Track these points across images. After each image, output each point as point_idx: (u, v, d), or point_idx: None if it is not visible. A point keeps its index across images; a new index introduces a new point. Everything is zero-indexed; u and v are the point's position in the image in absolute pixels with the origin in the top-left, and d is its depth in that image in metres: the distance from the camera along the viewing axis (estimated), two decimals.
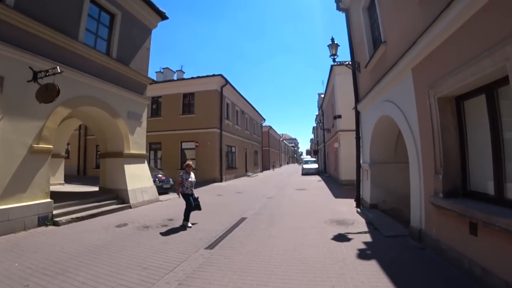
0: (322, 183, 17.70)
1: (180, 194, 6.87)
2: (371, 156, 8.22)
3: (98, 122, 9.56)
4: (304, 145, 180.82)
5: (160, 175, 12.90)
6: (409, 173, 8.03)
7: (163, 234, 6.06)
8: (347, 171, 16.21)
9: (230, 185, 17.00)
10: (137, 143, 10.14)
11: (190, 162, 7.30)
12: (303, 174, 27.58)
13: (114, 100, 9.18)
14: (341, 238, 5.45)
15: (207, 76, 18.80)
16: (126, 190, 9.13)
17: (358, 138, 9.34)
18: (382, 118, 7.19)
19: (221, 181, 18.45)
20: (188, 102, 19.83)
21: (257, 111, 31.75)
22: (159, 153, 20.50)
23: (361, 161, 9.21)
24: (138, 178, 9.79)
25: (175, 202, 10.35)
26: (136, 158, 9.98)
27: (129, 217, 7.80)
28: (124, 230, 6.42)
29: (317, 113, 39.81)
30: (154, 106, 20.97)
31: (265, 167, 40.67)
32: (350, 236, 5.56)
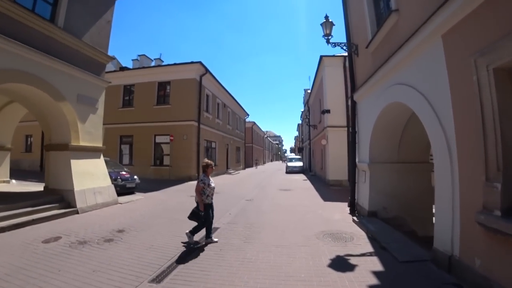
0: (308, 183, 16.42)
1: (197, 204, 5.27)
2: (371, 154, 6.88)
3: (38, 107, 7.72)
4: (288, 143, 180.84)
5: (123, 172, 11.15)
6: (416, 175, 6.88)
7: (100, 254, 4.44)
8: (335, 171, 15.01)
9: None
10: (89, 133, 8.37)
11: (209, 161, 5.66)
12: (287, 172, 26.32)
13: (58, 79, 7.37)
14: (340, 264, 4.04)
15: (185, 63, 17.03)
16: (73, 191, 7.37)
17: (354, 133, 8.00)
18: (389, 107, 5.84)
19: (197, 179, 16.75)
20: (163, 91, 17.99)
21: (240, 106, 30.17)
22: (130, 148, 18.54)
23: (357, 160, 7.88)
24: (89, 176, 8.03)
25: (136, 206, 8.69)
26: (88, 152, 8.22)
27: (68, 226, 6.10)
28: (50, 248, 4.74)
29: (302, 110, 38.69)
30: (126, 97, 19.02)
31: (248, 165, 39.19)
32: (352, 260, 4.16)
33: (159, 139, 17.50)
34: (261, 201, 9.84)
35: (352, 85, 8.25)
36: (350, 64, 8.21)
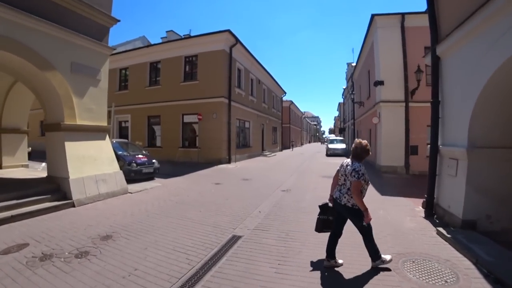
0: None
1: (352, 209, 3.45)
2: (472, 134, 4.52)
3: (30, 80, 6.41)
4: (326, 124, 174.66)
5: (140, 156, 9.85)
6: None
7: (57, 279, 2.90)
8: (388, 155, 12.45)
9: (239, 168, 13.77)
10: (89, 110, 6.97)
11: (364, 142, 3.60)
12: (328, 155, 23.86)
13: (45, 44, 5.93)
14: None
15: (212, 33, 15.11)
16: (68, 179, 6.06)
17: (436, 104, 5.61)
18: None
19: (228, 162, 15.26)
20: (191, 67, 16.41)
21: (276, 82, 27.82)
22: (158, 129, 17.51)
23: (440, 143, 5.53)
24: (90, 161, 6.69)
25: (148, 196, 7.26)
26: (88, 133, 6.85)
27: (50, 226, 4.76)
28: None
29: (344, 87, 35.24)
30: (153, 74, 17.82)
31: (285, 146, 37.16)
32: None
33: (187, 118, 16.13)
34: (300, 192, 7.90)
35: (433, 34, 5.75)
36: (429, 1, 5.68)
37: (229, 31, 14.74)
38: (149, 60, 17.65)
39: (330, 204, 3.70)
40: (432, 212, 5.52)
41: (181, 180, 9.81)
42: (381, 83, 12.55)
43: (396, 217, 5.51)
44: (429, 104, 5.85)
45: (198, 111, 15.10)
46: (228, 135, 15.34)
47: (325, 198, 6.61)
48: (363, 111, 18.79)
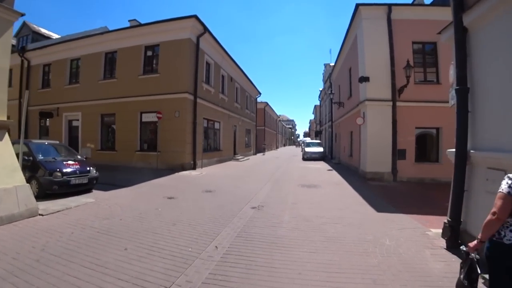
0: (336, 175, 12.56)
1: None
2: None
3: None
4: (301, 128, 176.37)
5: (70, 162, 7.59)
6: None
7: None
8: (374, 160, 11.06)
9: (204, 175, 11.78)
10: None
11: None
12: (304, 159, 22.45)
13: None
14: None
15: (176, 19, 13.07)
16: None
17: (463, 91, 4.04)
18: None
19: (193, 168, 13.23)
20: (152, 58, 14.24)
21: (251, 82, 26.13)
22: (112, 130, 15.13)
23: (469, 147, 3.98)
24: None
25: (67, 220, 5.15)
26: None
27: None
28: None
29: (321, 88, 34.30)
30: (108, 66, 15.41)
31: (259, 149, 35.51)
32: None
33: (146, 117, 13.90)
34: (275, 210, 6.09)
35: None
36: None
37: (195, 17, 12.79)
38: (104, 50, 15.24)
39: (477, 256, 1.95)
40: (458, 242, 3.95)
41: (125, 194, 7.69)
42: (366, 79, 11.18)
43: (411, 251, 3.87)
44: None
45: (158, 109, 12.98)
46: (193, 137, 13.32)
47: (308, 222, 4.91)
48: (343, 112, 17.51)
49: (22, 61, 18.45)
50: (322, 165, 17.38)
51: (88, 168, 7.70)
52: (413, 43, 11.45)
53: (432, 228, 4.94)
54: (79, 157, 8.47)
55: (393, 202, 7.09)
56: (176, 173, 11.70)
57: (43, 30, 22.70)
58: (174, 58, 13.20)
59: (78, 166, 7.50)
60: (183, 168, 12.67)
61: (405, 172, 10.96)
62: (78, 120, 16.11)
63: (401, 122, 10.94)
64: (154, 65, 14.02)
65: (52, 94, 17.03)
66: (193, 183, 9.48)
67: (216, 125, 17.68)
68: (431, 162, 11.40)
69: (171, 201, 6.89)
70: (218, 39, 15.51)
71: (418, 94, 11.07)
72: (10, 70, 20.22)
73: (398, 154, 10.93)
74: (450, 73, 4.72)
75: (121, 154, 14.20)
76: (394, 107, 10.98)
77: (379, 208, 6.38)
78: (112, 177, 10.45)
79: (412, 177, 11.01)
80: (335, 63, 20.64)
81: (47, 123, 17.83)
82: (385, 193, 8.48)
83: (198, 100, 13.79)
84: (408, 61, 10.32)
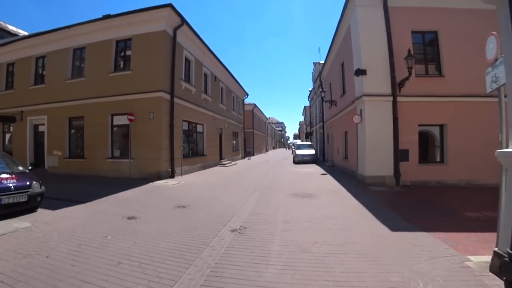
0: (331, 180, 11.26)
1: None
2: None
3: None
4: (291, 130, 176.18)
5: (5, 176, 6.01)
6: None
7: None
8: (375, 163, 9.84)
9: (182, 185, 10.30)
10: None
11: None
12: (295, 162, 21.17)
13: None
14: None
15: (149, 8, 11.59)
16: None
17: None
18: None
19: (171, 176, 11.74)
20: (124, 54, 12.72)
21: (237, 82, 24.78)
22: (82, 135, 13.50)
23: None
24: None
25: None
26: None
27: None
28: None
29: (311, 88, 33.24)
30: (77, 63, 13.80)
31: (248, 153, 34.16)
32: None
33: (118, 120, 12.32)
34: (261, 234, 4.69)
35: None
36: None
37: (171, 6, 11.33)
38: (72, 45, 13.61)
39: None
40: (508, 267, 2.67)
41: (76, 213, 6.18)
42: (363, 72, 9.97)
43: None
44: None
45: (131, 110, 11.48)
46: (171, 142, 11.83)
47: (306, 247, 3.49)
48: (335, 111, 16.33)
49: None
50: (314, 169, 16.10)
51: (28, 183, 6.14)
52: (413, 32, 10.34)
53: (468, 253, 3.70)
54: (20, 168, 6.87)
55: (405, 214, 5.81)
56: (150, 183, 10.19)
57: (10, 27, 20.82)
58: (148, 53, 11.73)
59: (14, 181, 5.93)
60: (159, 177, 11.17)
61: (408, 174, 9.79)
62: (44, 124, 14.42)
63: (403, 119, 9.78)
64: (126, 62, 12.51)
65: (15, 96, 15.24)
66: (165, 196, 8.00)
67: (199, 128, 16.21)
68: (436, 163, 10.26)
69: (129, 223, 5.43)
70: (199, 34, 14.10)
71: (420, 88, 9.95)
72: None
73: (400, 155, 9.74)
74: (488, 47, 3.49)
75: (91, 162, 12.59)
76: (394, 102, 9.80)
77: (391, 224, 5.07)
78: (72, 190, 8.93)
79: (416, 180, 9.85)
80: (325, 60, 19.51)
81: (11, 129, 16.03)
82: (392, 201, 7.23)
83: (176, 100, 12.32)
84: (409, 50, 9.17)
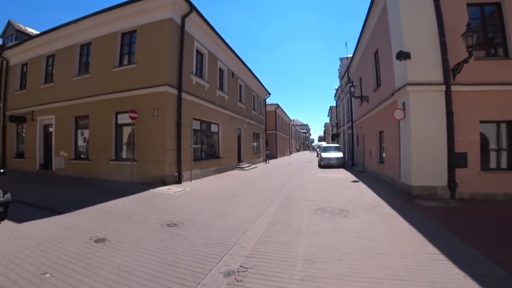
0: (368, 191, 9.21)
1: None
2: None
3: None
4: (315, 133, 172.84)
5: None
6: None
7: None
8: (423, 169, 7.79)
9: (186, 192, 8.83)
10: None
11: None
12: (321, 166, 19.18)
13: None
14: None
15: None
16: None
17: None
18: None
19: (178, 181, 10.34)
20: (129, 46, 11.55)
21: (258, 80, 23.20)
22: (86, 133, 12.56)
23: None
24: None
25: None
26: None
27: None
28: None
29: (337, 87, 30.99)
30: (84, 60, 12.88)
31: (271, 155, 32.47)
32: None
33: (122, 118, 11.18)
34: (270, 285, 3.06)
35: None
36: None
37: None
38: (79, 41, 12.73)
39: None
40: None
41: (38, 230, 4.85)
42: (406, 55, 7.98)
43: None
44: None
45: (134, 107, 10.26)
46: (178, 142, 10.44)
47: None
48: (367, 108, 14.26)
49: (1, 61, 16.40)
50: (343, 174, 14.08)
51: None
52: (468, 5, 8.21)
53: None
54: None
55: (484, 247, 3.90)
56: (151, 190, 8.82)
57: (29, 29, 20.68)
58: (153, 43, 10.48)
59: None
60: (163, 182, 9.81)
61: (467, 185, 7.66)
62: (52, 124, 13.72)
63: (460, 114, 7.71)
64: (131, 55, 11.33)
65: (28, 96, 14.79)
66: (159, 208, 6.52)
67: (214, 128, 14.77)
68: (504, 170, 8.01)
69: (93, 249, 3.99)
70: (211, 23, 12.67)
71: (480, 75, 7.81)
72: None
73: (456, 159, 7.65)
74: None
75: (95, 164, 11.56)
76: (448, 92, 7.74)
77: (473, 269, 3.22)
78: (61, 196, 7.86)
79: (477, 193, 7.72)
80: (354, 53, 17.45)
81: (24, 129, 15.57)
82: (454, 223, 5.28)
83: (185, 96, 10.95)
84: (469, 24, 7.11)
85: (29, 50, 14.83)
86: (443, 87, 7.75)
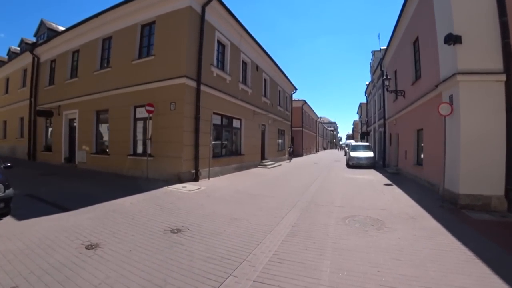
0: (404, 196, 8.05)
1: None
2: None
3: None
4: (343, 131, 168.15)
5: None
6: None
7: None
8: (474, 175, 6.56)
9: (202, 191, 8.24)
10: None
11: None
12: (350, 166, 17.94)
13: None
14: None
15: None
16: None
17: None
18: None
19: (195, 179, 9.80)
20: (148, 38, 11.16)
21: (284, 74, 22.22)
22: (106, 128, 12.43)
23: None
24: None
25: None
26: None
27: None
28: None
29: (368, 82, 29.21)
30: (105, 54, 12.74)
31: (296, 153, 31.45)
32: None
33: (140, 112, 10.85)
34: None
35: None
36: None
37: None
38: (101, 35, 12.63)
39: None
40: None
41: (35, 229, 4.44)
42: (456, 39, 6.76)
43: None
44: None
45: (151, 101, 9.85)
46: (196, 137, 9.90)
47: None
48: (403, 104, 12.89)
49: (33, 58, 16.91)
50: (374, 176, 12.86)
51: None
52: None
53: None
54: None
55: None
56: (165, 188, 8.32)
57: (60, 28, 21.30)
58: (172, 34, 9.99)
59: None
60: (179, 179, 9.31)
61: None
62: (75, 119, 13.84)
63: None
64: (150, 47, 10.94)
65: (55, 91, 15.14)
66: (167, 210, 5.95)
67: (236, 123, 14.13)
68: None
69: (81, 257, 3.46)
70: (234, 12, 11.97)
71: None
72: (25, 70, 19.22)
73: None
74: None
75: (114, 158, 11.40)
76: (509, 84, 6.45)
77: None
78: (72, 191, 7.64)
79: None
80: (388, 44, 15.99)
81: (51, 124, 15.94)
82: None
83: (204, 88, 10.38)
84: None
85: (57, 46, 15.11)
86: (503, 77, 6.46)
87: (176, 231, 4.55)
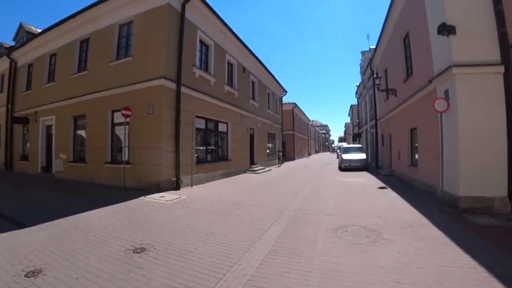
0: (400, 201, 7.51)
1: None
2: None
3: None
4: (335, 134, 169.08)
5: None
6: None
7: None
8: (474, 176, 6.05)
9: (180, 201, 7.56)
10: None
11: None
12: (342, 169, 17.44)
13: None
14: None
15: None
16: None
17: None
18: None
19: (176, 187, 9.11)
20: (126, 39, 10.51)
21: (273, 76, 21.71)
22: (84, 134, 11.68)
23: None
24: None
25: None
26: None
27: None
28: None
29: (358, 83, 28.96)
30: (83, 57, 12.02)
31: (288, 157, 30.94)
32: None
33: (118, 117, 10.12)
34: None
35: None
36: None
37: None
38: (78, 37, 11.93)
39: None
40: None
41: None
42: (450, 29, 6.29)
43: None
44: None
45: (129, 104, 9.18)
46: (176, 143, 9.23)
47: None
48: (395, 103, 12.46)
49: (10, 63, 16.07)
50: (368, 179, 12.32)
51: None
52: None
53: None
54: None
55: None
56: (141, 198, 7.62)
57: (39, 30, 20.49)
58: (149, 33, 9.38)
59: None
60: (158, 188, 8.61)
61: None
62: (52, 125, 13.05)
63: None
64: (128, 47, 10.30)
65: (32, 96, 14.33)
66: (136, 224, 5.26)
67: (222, 127, 13.47)
68: None
69: (16, 286, 2.78)
70: (216, 10, 11.40)
71: None
72: (2, 76, 18.31)
73: None
74: None
75: (91, 167, 10.67)
76: (508, 75, 5.99)
77: None
78: (37, 204, 6.95)
79: None
80: (377, 43, 15.65)
81: (28, 131, 15.09)
82: None
83: (185, 90, 9.75)
84: None
85: (34, 49, 14.36)
86: (501, 68, 6.00)
87: (139, 250, 3.89)
